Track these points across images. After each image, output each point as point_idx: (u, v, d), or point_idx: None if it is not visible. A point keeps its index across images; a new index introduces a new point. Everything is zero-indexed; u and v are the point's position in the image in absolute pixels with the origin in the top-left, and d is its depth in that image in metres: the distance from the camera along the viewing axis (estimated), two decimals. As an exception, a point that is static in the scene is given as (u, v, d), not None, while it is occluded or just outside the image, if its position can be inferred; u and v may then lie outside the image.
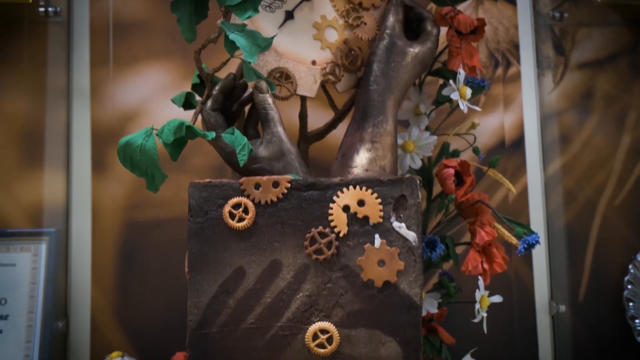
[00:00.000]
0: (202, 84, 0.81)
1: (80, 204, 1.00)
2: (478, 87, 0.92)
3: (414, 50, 0.81)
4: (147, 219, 1.01)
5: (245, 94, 0.80)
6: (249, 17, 0.68)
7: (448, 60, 0.86)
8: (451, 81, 0.85)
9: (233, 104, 0.80)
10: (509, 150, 1.10)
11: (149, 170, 0.67)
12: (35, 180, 1.00)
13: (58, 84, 1.02)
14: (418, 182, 0.69)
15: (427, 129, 0.88)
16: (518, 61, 1.12)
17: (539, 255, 1.08)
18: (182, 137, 0.68)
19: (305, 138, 0.85)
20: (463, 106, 0.83)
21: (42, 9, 0.96)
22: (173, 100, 0.82)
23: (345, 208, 0.68)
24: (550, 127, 1.11)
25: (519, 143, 1.10)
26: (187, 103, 0.82)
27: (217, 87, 0.76)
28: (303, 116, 0.84)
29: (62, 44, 1.03)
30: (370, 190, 0.68)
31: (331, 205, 0.68)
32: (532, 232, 0.82)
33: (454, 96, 0.83)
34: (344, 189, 0.68)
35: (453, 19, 0.85)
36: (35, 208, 0.99)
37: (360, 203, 0.68)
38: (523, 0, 1.12)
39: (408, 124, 0.88)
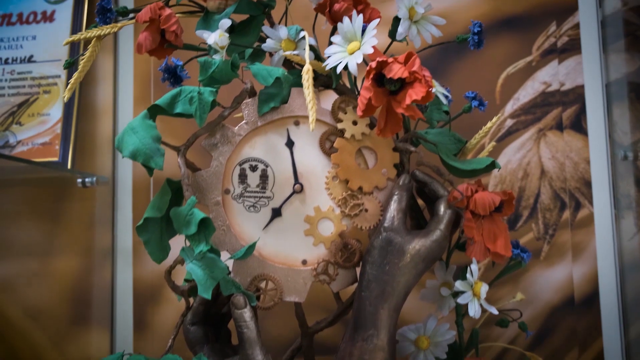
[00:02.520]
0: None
1: (123, 363, 1.02)
2: (512, 266, 0.80)
3: (415, 247, 0.71)
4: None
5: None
6: (201, 250, 0.64)
7: (466, 246, 0.76)
8: (468, 270, 0.74)
9: (221, 307, 0.77)
10: (580, 308, 0.94)
11: None
12: (82, 338, 1.04)
13: (104, 244, 1.06)
14: None
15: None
16: (590, 202, 0.95)
17: None
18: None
19: (307, 335, 0.79)
20: (474, 311, 0.71)
21: (79, 180, 1.00)
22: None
23: None
24: (632, 281, 0.93)
25: (592, 300, 0.94)
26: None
27: (197, 299, 0.73)
28: (299, 315, 0.78)
29: (108, 204, 1.06)
30: None
31: None
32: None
33: (463, 299, 0.72)
34: None
35: (469, 199, 0.75)
36: (83, 366, 1.03)
37: None
38: (596, 129, 0.96)
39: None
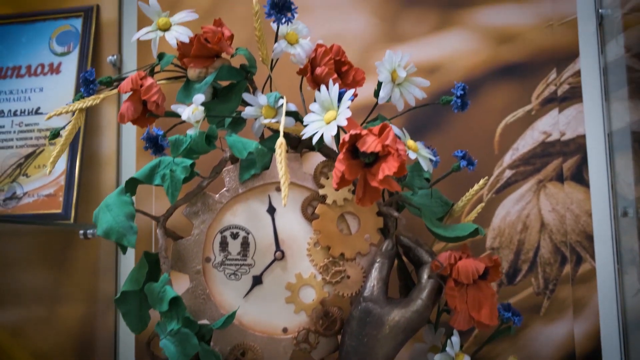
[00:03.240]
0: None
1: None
2: (502, 331, 0.79)
3: (394, 318, 0.70)
4: None
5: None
6: (173, 328, 0.65)
7: (450, 314, 0.74)
8: (448, 343, 0.72)
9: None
10: (581, 367, 0.91)
11: None
12: (86, 386, 1.06)
13: (107, 291, 1.08)
14: None
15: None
16: (592, 256, 0.92)
17: None
18: None
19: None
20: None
21: (81, 232, 1.02)
22: None
23: None
24: (636, 339, 0.90)
25: (594, 358, 0.91)
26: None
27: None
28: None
29: (111, 253, 1.08)
30: None
31: None
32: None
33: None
34: None
35: (452, 266, 0.73)
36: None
37: None
38: (598, 180, 0.93)
39: None
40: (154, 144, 0.75)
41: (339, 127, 0.70)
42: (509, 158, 0.97)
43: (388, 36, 1.02)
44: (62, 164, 1.07)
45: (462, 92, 0.76)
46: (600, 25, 0.95)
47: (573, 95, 0.95)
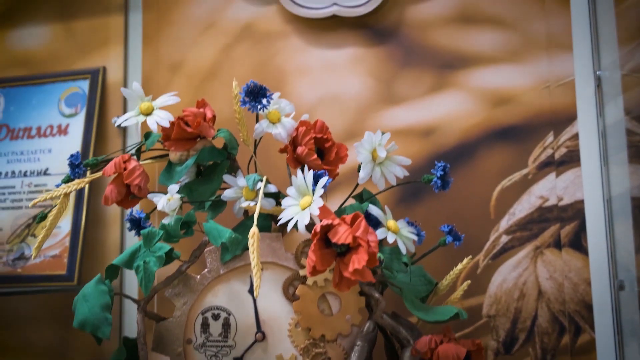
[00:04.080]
0: None
1: None
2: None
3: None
4: None
5: None
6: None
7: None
8: None
9: None
10: None
11: None
12: None
13: (112, 348, 1.10)
14: None
15: None
16: (591, 327, 0.90)
17: None
18: None
19: None
20: None
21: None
22: None
23: None
24: (638, 415, 0.87)
25: None
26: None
27: None
28: None
29: (115, 312, 1.10)
30: None
31: None
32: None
33: None
34: None
35: (433, 351, 0.72)
36: None
37: None
38: (597, 248, 0.91)
39: None
40: (137, 226, 0.77)
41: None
42: (505, 223, 0.95)
43: (384, 98, 1.02)
44: (67, 225, 1.09)
45: (442, 173, 0.75)
46: (599, 87, 0.93)
47: (571, 159, 0.93)
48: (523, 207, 0.94)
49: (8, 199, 1.14)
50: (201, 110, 0.78)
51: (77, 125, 1.15)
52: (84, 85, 1.16)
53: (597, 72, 0.93)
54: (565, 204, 0.93)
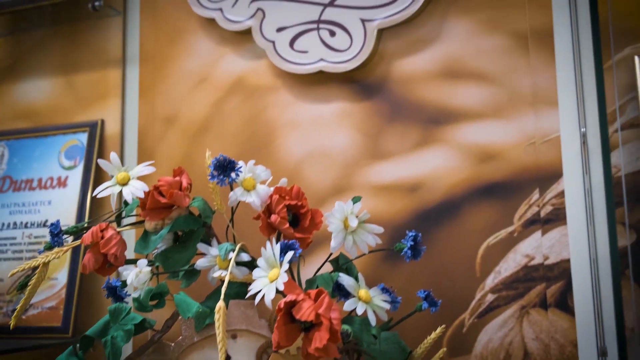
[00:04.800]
0: None
1: None
2: None
3: None
4: None
5: None
6: None
7: None
8: None
9: None
10: None
11: None
12: None
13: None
14: None
15: None
16: (579, 391, 0.88)
17: None
18: None
19: None
20: None
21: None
22: None
23: None
24: None
25: None
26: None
27: None
28: None
29: None
30: None
31: None
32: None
33: None
34: None
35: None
36: None
37: None
38: (583, 309, 0.89)
39: None
40: (114, 294, 0.78)
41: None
42: (491, 281, 0.94)
43: (371, 152, 1.02)
44: (64, 277, 1.12)
45: (412, 243, 0.75)
46: (584, 144, 0.92)
47: (557, 218, 0.92)
48: (509, 266, 0.93)
49: (9, 250, 1.18)
50: (177, 178, 0.79)
51: (75, 178, 1.18)
52: (83, 137, 1.19)
53: (583, 129, 0.92)
54: (551, 263, 0.91)
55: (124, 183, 0.79)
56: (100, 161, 0.79)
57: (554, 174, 0.93)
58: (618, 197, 0.90)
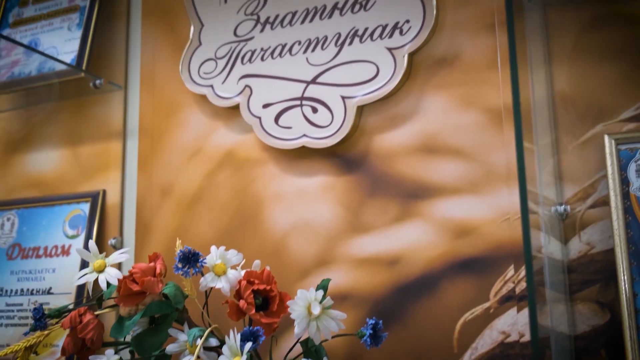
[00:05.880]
0: None
1: None
2: None
3: None
4: None
5: None
6: None
7: None
8: None
9: None
10: None
11: None
12: None
13: None
14: None
15: None
16: None
17: None
18: None
19: None
20: None
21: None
22: None
23: None
24: None
25: None
26: None
27: None
28: None
29: None
30: None
31: None
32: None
33: None
34: None
35: None
36: None
37: None
38: (559, 388, 0.89)
39: None
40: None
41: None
42: (468, 357, 0.94)
43: (353, 226, 1.05)
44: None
45: (371, 331, 0.77)
46: (562, 221, 0.92)
47: (532, 294, 0.92)
48: (485, 342, 0.94)
49: (16, 316, 1.23)
50: (151, 264, 0.83)
51: (77, 246, 1.23)
52: (86, 207, 1.25)
53: (557, 207, 0.92)
54: (526, 341, 0.91)
55: (101, 270, 0.83)
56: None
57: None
58: (593, 274, 0.89)
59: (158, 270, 0.83)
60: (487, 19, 1.01)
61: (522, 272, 0.93)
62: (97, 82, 1.23)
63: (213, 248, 0.85)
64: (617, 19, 0.94)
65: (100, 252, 0.89)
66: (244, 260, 0.86)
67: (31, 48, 1.26)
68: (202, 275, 0.83)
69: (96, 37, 1.26)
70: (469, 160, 0.99)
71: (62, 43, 1.27)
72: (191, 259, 0.77)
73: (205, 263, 0.79)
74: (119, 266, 1.20)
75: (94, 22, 1.26)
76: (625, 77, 0.92)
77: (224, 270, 0.83)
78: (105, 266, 0.83)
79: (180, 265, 0.78)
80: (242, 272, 0.84)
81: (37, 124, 1.36)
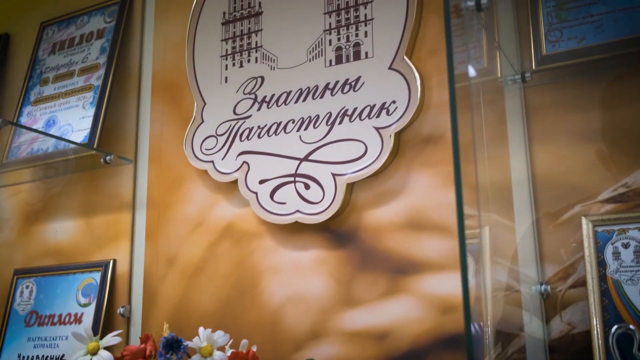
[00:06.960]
0: None
1: None
2: None
3: None
4: None
5: None
6: None
7: None
8: None
9: None
10: None
11: None
12: None
13: None
14: None
15: None
16: None
17: None
18: None
19: None
20: None
21: None
22: None
23: None
24: None
25: None
26: None
27: None
28: None
29: None
30: None
31: None
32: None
33: None
34: None
35: None
36: None
37: None
38: None
39: None
40: None
41: None
42: None
43: (344, 299, 1.07)
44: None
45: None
46: (544, 300, 0.94)
47: (517, 373, 0.93)
48: (471, 420, 0.94)
49: (31, 382, 1.29)
50: (142, 346, 0.88)
51: (89, 315, 1.29)
52: (97, 276, 1.31)
53: (538, 286, 0.94)
54: (511, 420, 0.92)
55: (94, 353, 0.88)
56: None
57: (515, 329, 0.94)
58: (574, 355, 0.90)
59: (148, 352, 0.88)
60: (471, 98, 1.04)
61: (510, 350, 0.94)
62: (108, 157, 1.30)
63: (200, 330, 0.89)
64: (595, 100, 0.96)
65: (109, 320, 0.94)
66: (231, 340, 0.90)
67: (45, 133, 1.35)
68: (189, 357, 0.87)
69: (108, 113, 1.34)
70: (453, 237, 1.01)
71: (77, 121, 1.35)
72: (174, 346, 0.81)
73: (186, 349, 0.83)
74: (126, 331, 1.26)
75: (106, 101, 1.34)
76: (603, 158, 0.94)
77: (210, 352, 0.87)
78: (98, 348, 0.88)
79: (163, 352, 0.82)
80: (229, 353, 0.88)
81: (54, 196, 1.44)
